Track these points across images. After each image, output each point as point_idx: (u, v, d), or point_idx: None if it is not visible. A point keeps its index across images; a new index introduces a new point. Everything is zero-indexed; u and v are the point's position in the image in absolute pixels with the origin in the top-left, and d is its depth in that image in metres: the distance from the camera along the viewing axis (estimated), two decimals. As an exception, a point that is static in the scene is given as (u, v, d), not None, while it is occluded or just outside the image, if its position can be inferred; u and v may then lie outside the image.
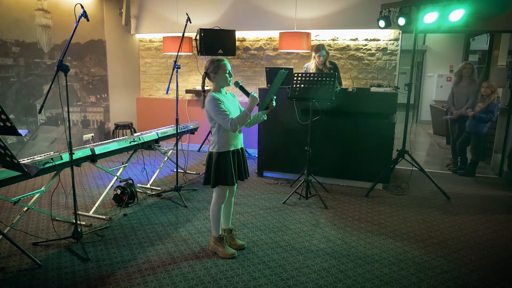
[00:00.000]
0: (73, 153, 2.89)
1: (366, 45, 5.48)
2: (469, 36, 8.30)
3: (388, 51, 5.40)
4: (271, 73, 4.69)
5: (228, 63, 2.69)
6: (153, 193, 4.19)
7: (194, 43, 5.93)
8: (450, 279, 2.59)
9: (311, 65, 4.77)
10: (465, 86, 5.11)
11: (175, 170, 4.31)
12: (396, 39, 5.34)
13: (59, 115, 5.23)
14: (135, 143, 3.85)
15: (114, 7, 6.15)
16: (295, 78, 3.96)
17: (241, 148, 2.84)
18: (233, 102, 2.77)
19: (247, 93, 2.71)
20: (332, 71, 4.61)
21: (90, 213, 3.55)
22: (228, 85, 2.70)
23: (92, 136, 5.92)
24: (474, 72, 5.08)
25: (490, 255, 2.94)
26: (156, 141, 4.22)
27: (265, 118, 2.84)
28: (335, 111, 4.28)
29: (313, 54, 4.69)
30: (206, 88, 2.82)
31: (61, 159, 3.00)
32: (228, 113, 2.59)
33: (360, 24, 5.30)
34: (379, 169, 4.27)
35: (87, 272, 2.60)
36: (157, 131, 4.26)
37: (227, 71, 2.65)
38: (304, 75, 3.94)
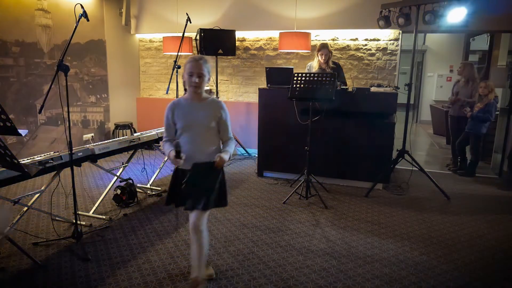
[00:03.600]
0: (73, 153, 2.89)
1: (366, 45, 5.48)
2: (469, 36, 8.31)
3: (388, 51, 5.40)
4: (271, 73, 4.69)
5: (192, 62, 2.23)
6: (153, 193, 4.19)
7: (194, 43, 5.93)
8: (450, 279, 2.59)
9: (314, 64, 4.75)
10: (466, 86, 5.11)
11: (175, 170, 4.30)
12: (396, 39, 5.34)
13: (59, 115, 5.23)
14: (135, 143, 3.85)
15: (114, 7, 6.15)
16: (295, 78, 3.95)
17: (203, 165, 2.29)
18: (196, 109, 2.30)
19: (178, 153, 2.19)
20: (334, 71, 4.60)
21: (90, 213, 3.55)
22: (191, 86, 2.26)
23: (92, 136, 5.92)
24: (474, 71, 5.09)
25: (490, 255, 2.94)
26: (156, 141, 4.22)
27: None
28: (335, 111, 4.28)
29: (316, 52, 4.67)
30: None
31: (61, 159, 3.00)
32: (168, 133, 2.36)
33: (360, 24, 5.30)
34: (379, 169, 4.27)
35: (87, 272, 2.60)
36: (157, 131, 4.25)
37: (187, 72, 2.26)
38: (304, 75, 3.93)
